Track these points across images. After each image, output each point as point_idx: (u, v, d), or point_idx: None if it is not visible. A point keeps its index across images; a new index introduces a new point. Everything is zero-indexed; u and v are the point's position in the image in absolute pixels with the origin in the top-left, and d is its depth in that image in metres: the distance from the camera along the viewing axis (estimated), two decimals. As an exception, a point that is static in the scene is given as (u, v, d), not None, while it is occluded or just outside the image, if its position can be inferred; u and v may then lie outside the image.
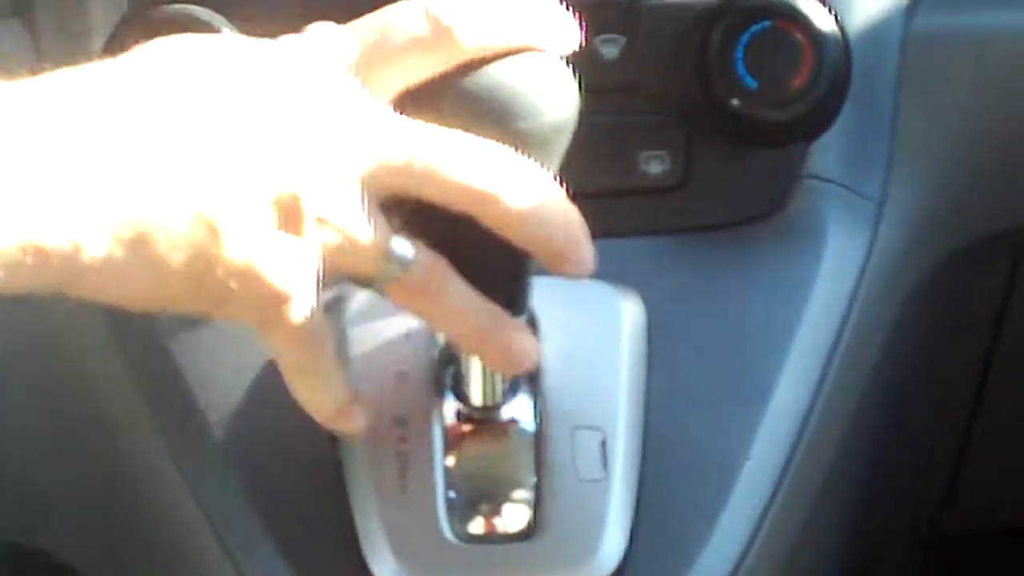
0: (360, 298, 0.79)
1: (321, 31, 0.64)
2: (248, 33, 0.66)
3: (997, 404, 1.10)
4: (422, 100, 0.65)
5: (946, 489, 1.16)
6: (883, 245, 0.88)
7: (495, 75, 0.65)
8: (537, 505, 0.73)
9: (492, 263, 0.67)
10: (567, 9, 0.67)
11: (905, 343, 0.92)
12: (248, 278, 0.59)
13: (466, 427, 0.75)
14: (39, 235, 0.55)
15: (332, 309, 0.76)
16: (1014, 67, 0.90)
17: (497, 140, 0.64)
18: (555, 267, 0.65)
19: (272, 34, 0.64)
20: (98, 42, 0.82)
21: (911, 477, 1.11)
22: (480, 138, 0.63)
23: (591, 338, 0.80)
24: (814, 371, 0.82)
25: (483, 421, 0.75)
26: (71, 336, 0.83)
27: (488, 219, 0.63)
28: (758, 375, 0.81)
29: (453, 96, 0.65)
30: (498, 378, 0.74)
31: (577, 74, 0.68)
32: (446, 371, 0.76)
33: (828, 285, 0.86)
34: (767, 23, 0.81)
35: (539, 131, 0.65)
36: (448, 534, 0.73)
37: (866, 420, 0.87)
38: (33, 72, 0.58)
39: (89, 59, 0.60)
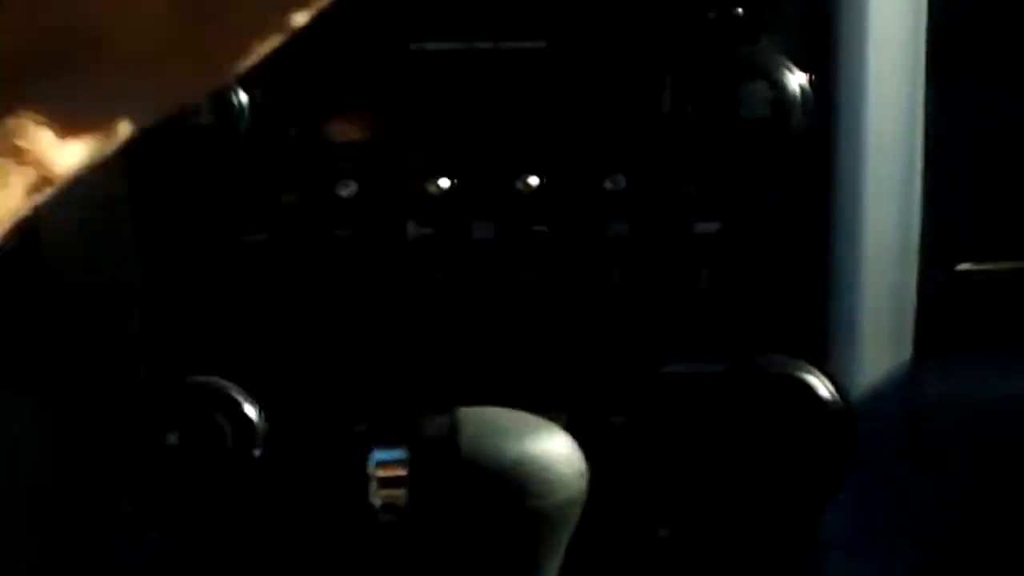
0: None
1: None
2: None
3: None
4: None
5: None
6: None
7: (510, 455, 0.67)
8: None
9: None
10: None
11: None
12: None
13: None
14: None
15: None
16: (1013, 437, 0.92)
17: (511, 517, 0.66)
18: None
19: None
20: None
21: None
22: None
23: None
24: None
25: None
26: None
27: None
28: None
29: (468, 475, 0.67)
30: None
31: (588, 447, 0.70)
32: None
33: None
34: (772, 397, 0.84)
35: (553, 508, 0.67)
36: None
37: None
38: None
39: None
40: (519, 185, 0.84)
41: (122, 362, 0.85)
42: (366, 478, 0.69)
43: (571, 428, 0.71)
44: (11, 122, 0.48)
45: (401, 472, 0.69)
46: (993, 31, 0.93)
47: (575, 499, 0.68)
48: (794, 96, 0.83)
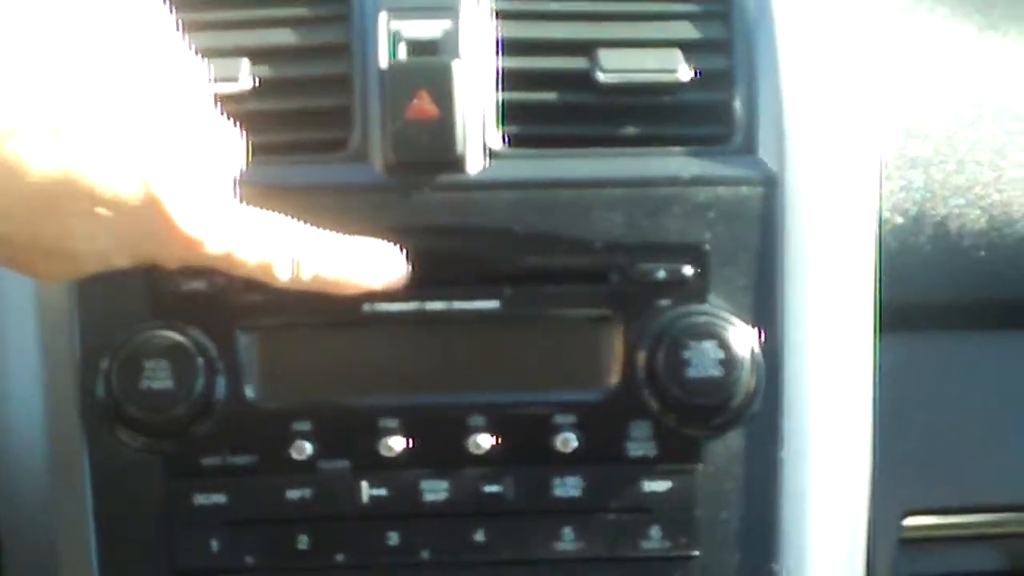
0: None
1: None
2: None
3: None
4: None
5: None
6: None
7: None
8: None
9: None
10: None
11: None
12: None
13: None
14: None
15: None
16: None
17: None
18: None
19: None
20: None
21: None
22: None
23: None
24: None
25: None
26: None
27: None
28: None
29: None
30: None
31: None
32: None
33: None
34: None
35: None
36: None
37: None
38: None
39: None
40: (470, 446, 0.88)
41: None
42: None
43: None
44: None
45: None
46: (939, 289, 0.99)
47: None
48: (743, 356, 0.88)
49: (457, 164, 0.89)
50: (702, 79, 0.92)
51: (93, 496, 0.89)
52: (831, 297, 0.92)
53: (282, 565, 0.89)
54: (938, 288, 0.99)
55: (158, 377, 0.86)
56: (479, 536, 0.90)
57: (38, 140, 0.65)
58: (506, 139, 0.91)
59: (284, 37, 0.91)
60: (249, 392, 0.89)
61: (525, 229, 0.89)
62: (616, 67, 0.91)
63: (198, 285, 0.87)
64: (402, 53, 0.89)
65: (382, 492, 0.89)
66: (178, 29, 0.72)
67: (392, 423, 0.89)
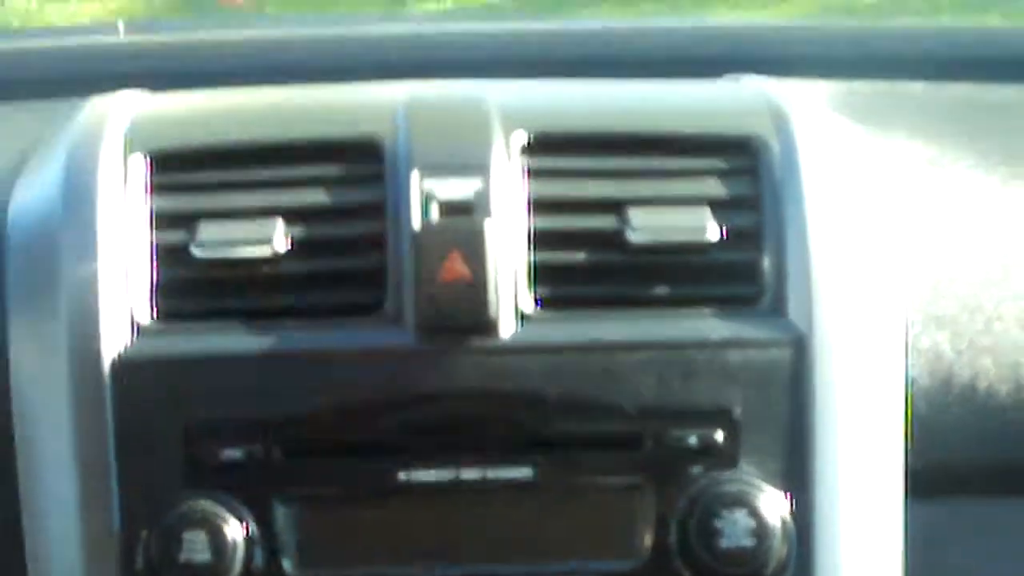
0: None
1: None
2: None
3: None
4: None
5: None
6: None
7: None
8: None
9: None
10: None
11: None
12: None
13: None
14: None
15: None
16: None
17: None
18: None
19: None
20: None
21: None
22: None
23: None
24: None
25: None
26: None
27: None
28: None
29: None
30: None
31: None
32: None
33: None
34: None
35: None
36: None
37: None
38: None
39: None
40: None
41: None
42: None
43: None
44: None
45: None
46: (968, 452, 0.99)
47: None
48: (774, 524, 0.88)
49: (489, 328, 0.89)
50: (731, 238, 0.92)
51: None
52: (862, 461, 0.92)
53: None
54: (968, 451, 0.99)
55: (197, 549, 0.85)
56: None
57: None
58: (537, 300, 0.91)
59: (319, 197, 0.91)
60: (287, 564, 0.89)
61: (558, 394, 0.89)
62: (646, 226, 0.92)
63: (235, 454, 0.87)
64: (434, 213, 0.90)
65: None
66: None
67: None
